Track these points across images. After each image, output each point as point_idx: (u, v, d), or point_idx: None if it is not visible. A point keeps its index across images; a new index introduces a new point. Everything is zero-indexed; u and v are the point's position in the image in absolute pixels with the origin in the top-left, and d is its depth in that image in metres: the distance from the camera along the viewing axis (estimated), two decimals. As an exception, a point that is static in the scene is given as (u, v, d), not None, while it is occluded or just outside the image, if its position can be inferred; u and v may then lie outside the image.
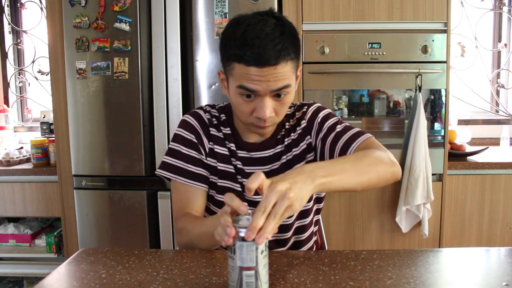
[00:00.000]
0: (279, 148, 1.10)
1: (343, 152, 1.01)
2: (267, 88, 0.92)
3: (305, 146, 1.11)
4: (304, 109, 1.13)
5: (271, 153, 1.10)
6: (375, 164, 0.88)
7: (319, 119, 1.10)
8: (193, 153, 1.08)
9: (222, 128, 1.11)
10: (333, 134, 1.05)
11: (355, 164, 0.86)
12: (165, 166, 1.08)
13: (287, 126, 1.12)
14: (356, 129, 1.05)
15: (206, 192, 1.09)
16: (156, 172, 1.10)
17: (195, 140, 1.08)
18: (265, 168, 1.10)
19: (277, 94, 0.95)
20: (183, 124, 1.11)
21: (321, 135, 1.08)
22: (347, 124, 1.08)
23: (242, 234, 0.68)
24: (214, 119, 1.12)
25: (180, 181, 1.06)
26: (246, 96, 0.95)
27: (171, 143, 1.11)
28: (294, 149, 1.10)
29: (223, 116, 1.12)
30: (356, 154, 0.93)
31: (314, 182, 0.75)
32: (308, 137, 1.11)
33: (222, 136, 1.10)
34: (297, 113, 1.13)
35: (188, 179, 1.06)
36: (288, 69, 0.93)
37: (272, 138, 1.11)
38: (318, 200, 1.18)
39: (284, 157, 1.10)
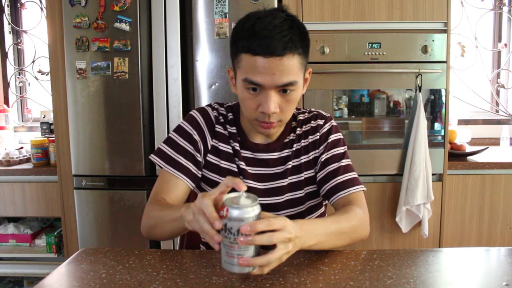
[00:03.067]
0: (286, 152, 1.10)
1: (336, 190, 1.05)
2: (273, 81, 0.92)
3: (313, 156, 1.10)
4: (321, 122, 1.13)
5: (277, 156, 1.09)
6: (353, 232, 0.95)
7: (329, 140, 1.10)
8: (188, 147, 1.07)
9: (228, 126, 1.10)
10: (335, 166, 1.07)
11: (338, 234, 0.90)
12: (159, 152, 1.08)
13: (298, 132, 1.11)
14: (355, 174, 1.08)
15: (189, 188, 1.07)
16: (150, 157, 1.10)
17: (195, 136, 1.08)
18: (268, 170, 1.09)
19: (283, 90, 0.94)
20: (188, 118, 1.11)
21: (324, 157, 1.09)
22: (350, 161, 1.10)
23: (231, 215, 0.70)
24: (221, 117, 1.11)
25: (167, 170, 1.06)
26: (251, 89, 0.95)
27: (171, 132, 1.11)
28: (303, 156, 1.10)
29: (230, 115, 1.12)
30: (346, 220, 0.94)
31: (303, 245, 0.80)
32: (317, 151, 1.11)
33: (227, 135, 1.10)
34: (312, 122, 1.12)
35: (175, 169, 1.05)
36: (295, 63, 0.93)
37: (279, 141, 1.10)
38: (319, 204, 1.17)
39: (290, 162, 1.09)
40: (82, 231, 2.08)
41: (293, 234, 0.74)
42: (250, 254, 0.71)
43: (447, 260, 0.92)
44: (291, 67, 0.92)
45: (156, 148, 1.14)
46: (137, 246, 2.03)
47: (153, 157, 1.08)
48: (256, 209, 0.71)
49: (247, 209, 0.70)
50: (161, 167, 1.07)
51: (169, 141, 1.09)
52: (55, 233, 2.27)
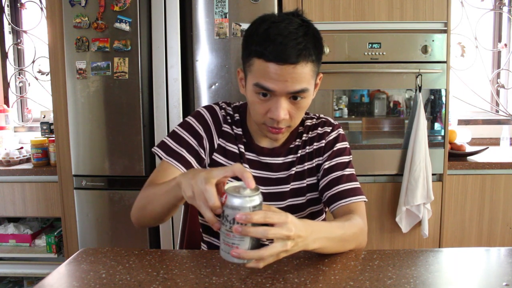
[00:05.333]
0: (290, 158, 1.09)
1: (337, 198, 1.04)
2: (284, 88, 0.91)
3: (316, 163, 1.10)
4: (328, 129, 1.11)
5: (281, 161, 1.09)
6: (354, 240, 0.94)
7: (335, 148, 1.09)
8: (192, 141, 1.06)
9: (234, 127, 1.09)
10: (338, 174, 1.06)
11: (341, 240, 0.90)
12: (162, 145, 1.06)
13: (304, 138, 1.10)
14: (357, 184, 1.07)
15: None
16: (152, 149, 1.08)
17: (201, 133, 1.07)
18: (271, 175, 1.08)
19: (293, 97, 0.93)
20: (196, 114, 1.10)
21: (327, 164, 1.07)
22: (354, 171, 1.09)
23: (229, 202, 0.70)
24: (228, 117, 1.10)
25: (167, 161, 1.03)
26: (262, 94, 0.94)
27: (176, 126, 1.09)
28: (307, 163, 1.09)
29: (237, 116, 1.11)
30: (349, 227, 0.93)
31: (307, 247, 0.79)
32: (320, 158, 1.10)
33: (234, 135, 1.09)
34: (319, 128, 1.11)
35: (175, 161, 1.03)
36: (308, 71, 0.91)
37: (285, 146, 1.09)
38: (318, 210, 1.17)
39: (294, 168, 1.08)
40: (82, 231, 2.08)
41: (293, 232, 0.73)
42: (245, 245, 0.71)
43: (447, 260, 0.92)
44: (303, 74, 0.91)
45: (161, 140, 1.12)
46: (137, 246, 2.03)
47: (155, 149, 1.07)
48: (256, 200, 0.71)
49: (245, 199, 0.70)
50: (161, 158, 1.05)
51: (173, 135, 1.08)
52: (55, 233, 2.27)
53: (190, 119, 1.09)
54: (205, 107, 1.12)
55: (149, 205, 0.94)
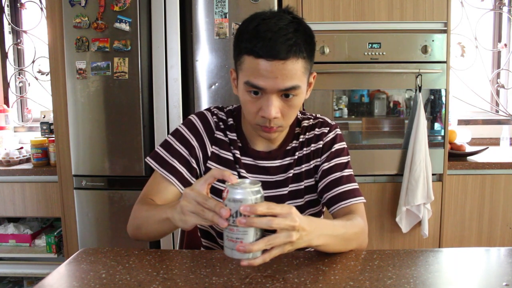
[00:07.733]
0: (287, 160, 1.08)
1: (337, 199, 1.04)
2: (274, 85, 0.90)
3: (313, 165, 1.09)
4: (325, 130, 1.10)
5: (278, 164, 1.08)
6: (355, 240, 0.94)
7: (333, 149, 1.08)
8: (183, 151, 1.06)
9: (228, 132, 1.08)
10: (337, 175, 1.05)
11: (343, 239, 0.90)
12: (154, 156, 1.07)
13: (301, 139, 1.09)
14: (356, 185, 1.07)
15: (179, 192, 1.05)
16: (146, 159, 1.09)
17: (193, 142, 1.06)
18: (269, 178, 1.07)
19: (285, 95, 0.92)
20: (187, 123, 1.09)
21: (326, 166, 1.07)
22: (352, 171, 1.08)
23: (231, 196, 0.72)
24: (221, 123, 1.09)
25: (159, 172, 1.04)
26: (253, 93, 0.93)
27: (169, 135, 1.09)
28: (304, 164, 1.08)
29: (230, 120, 1.09)
30: (351, 227, 0.93)
31: (311, 243, 0.80)
32: (318, 159, 1.09)
33: (228, 141, 1.08)
34: (317, 129, 1.10)
35: (167, 172, 1.04)
36: (299, 67, 0.90)
37: (281, 148, 1.08)
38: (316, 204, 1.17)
39: (292, 170, 1.07)
40: (82, 231, 2.08)
41: (298, 223, 0.74)
42: (249, 239, 0.71)
43: (447, 260, 0.92)
44: (294, 71, 0.90)
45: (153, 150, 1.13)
46: (137, 246, 2.03)
47: (148, 159, 1.08)
48: (257, 193, 0.72)
49: (246, 190, 0.71)
50: (154, 169, 1.06)
51: (165, 144, 1.08)
52: (55, 233, 2.27)
53: (182, 128, 1.08)
54: (197, 114, 1.11)
55: (143, 228, 0.97)
